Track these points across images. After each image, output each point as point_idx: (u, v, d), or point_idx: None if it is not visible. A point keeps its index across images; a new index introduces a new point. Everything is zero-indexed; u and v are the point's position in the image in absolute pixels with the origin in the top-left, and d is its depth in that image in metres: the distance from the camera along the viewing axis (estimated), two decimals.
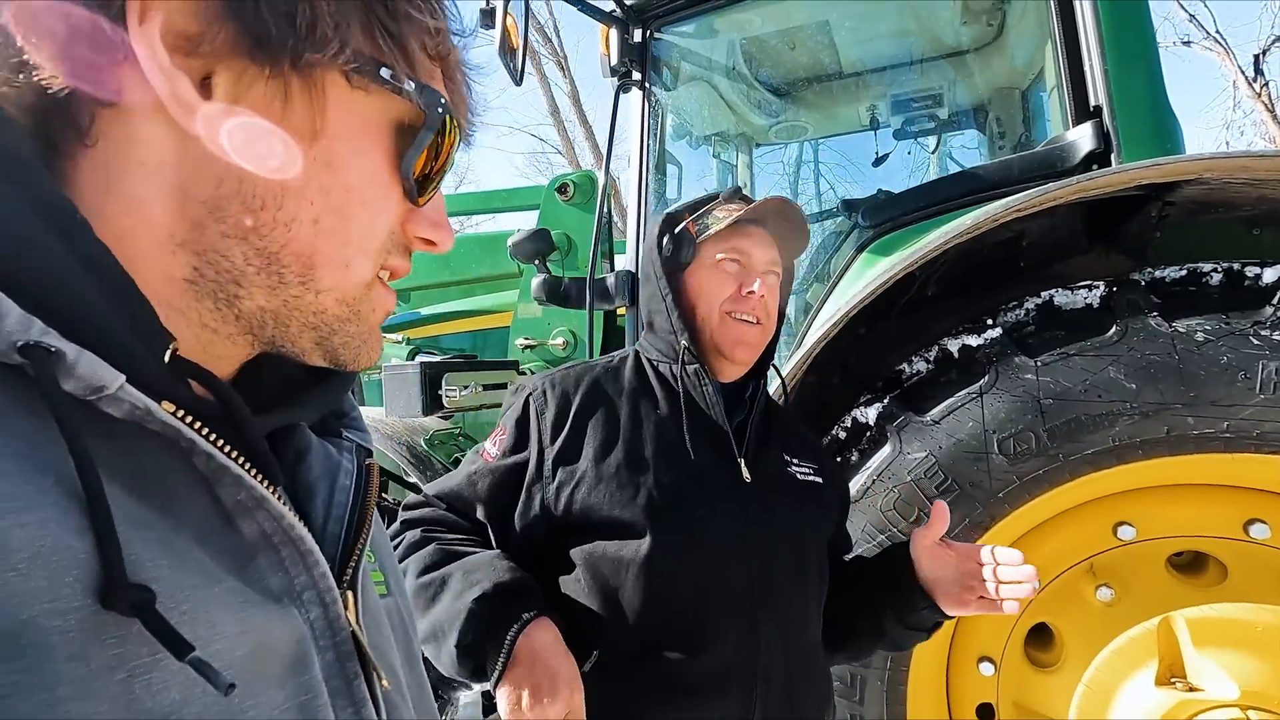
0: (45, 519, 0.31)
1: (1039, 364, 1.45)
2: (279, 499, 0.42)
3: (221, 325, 0.43)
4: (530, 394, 1.14)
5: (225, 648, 0.36)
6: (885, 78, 3.11)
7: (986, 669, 1.61)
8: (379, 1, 0.41)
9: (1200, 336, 1.34)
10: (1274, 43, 11.05)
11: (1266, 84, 10.99)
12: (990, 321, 1.63)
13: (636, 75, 2.43)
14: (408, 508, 1.14)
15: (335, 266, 0.43)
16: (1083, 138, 1.76)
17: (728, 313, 1.11)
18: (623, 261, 2.43)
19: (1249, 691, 1.30)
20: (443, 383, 2.23)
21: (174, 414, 0.37)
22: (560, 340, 2.62)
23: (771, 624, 1.01)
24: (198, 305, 0.42)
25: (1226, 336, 1.33)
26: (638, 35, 2.42)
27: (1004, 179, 1.84)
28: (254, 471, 0.41)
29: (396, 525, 1.11)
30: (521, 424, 1.11)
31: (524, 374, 2.59)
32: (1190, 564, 1.56)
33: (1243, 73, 11.21)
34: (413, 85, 0.43)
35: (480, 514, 1.09)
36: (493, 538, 1.09)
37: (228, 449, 0.40)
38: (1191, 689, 1.37)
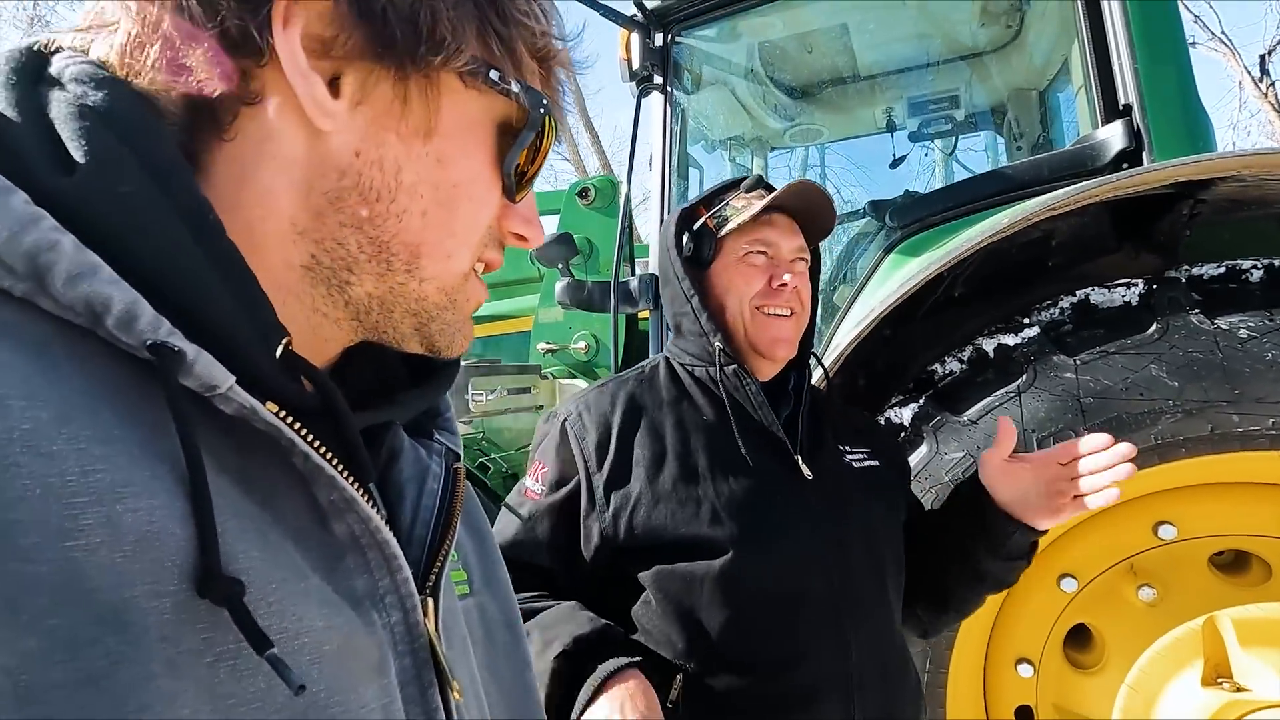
0: (154, 506, 0.33)
1: (1078, 362, 1.45)
2: (369, 501, 0.43)
3: (332, 309, 0.45)
4: (565, 420, 1.11)
5: (313, 641, 0.37)
6: (902, 80, 3.11)
7: (1025, 670, 1.60)
8: (491, 6, 0.44)
9: (1244, 333, 1.34)
10: (1279, 43, 11.05)
11: (1272, 84, 10.97)
12: (1025, 321, 1.62)
13: (658, 79, 2.44)
14: None
15: (439, 257, 0.46)
16: (1113, 136, 1.76)
17: (759, 308, 1.08)
18: (645, 265, 2.43)
19: None
20: (469, 387, 2.22)
21: (277, 414, 0.39)
22: (582, 344, 2.62)
23: (859, 626, 0.99)
24: (312, 291, 0.44)
25: (1271, 333, 1.32)
26: (659, 39, 2.43)
27: (1034, 179, 1.84)
28: (346, 474, 0.42)
29: None
30: (563, 453, 1.08)
31: (546, 378, 2.59)
32: (1231, 563, 1.55)
33: (1249, 73, 11.20)
34: (519, 87, 0.46)
35: (545, 560, 1.06)
36: (559, 578, 1.06)
37: (324, 450, 0.41)
38: (1239, 689, 1.35)
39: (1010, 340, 1.54)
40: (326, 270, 0.44)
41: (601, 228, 2.65)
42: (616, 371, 2.53)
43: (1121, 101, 1.80)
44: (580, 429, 1.10)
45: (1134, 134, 1.74)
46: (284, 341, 0.40)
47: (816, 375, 1.29)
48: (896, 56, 3.00)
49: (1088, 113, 1.92)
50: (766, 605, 0.97)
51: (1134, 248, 1.85)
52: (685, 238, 1.13)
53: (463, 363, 2.71)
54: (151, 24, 0.39)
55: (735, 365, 1.07)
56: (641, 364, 1.21)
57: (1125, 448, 0.93)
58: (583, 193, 2.70)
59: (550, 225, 2.83)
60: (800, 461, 1.05)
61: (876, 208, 2.15)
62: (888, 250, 1.99)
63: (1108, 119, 1.82)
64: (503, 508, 1.13)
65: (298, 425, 0.40)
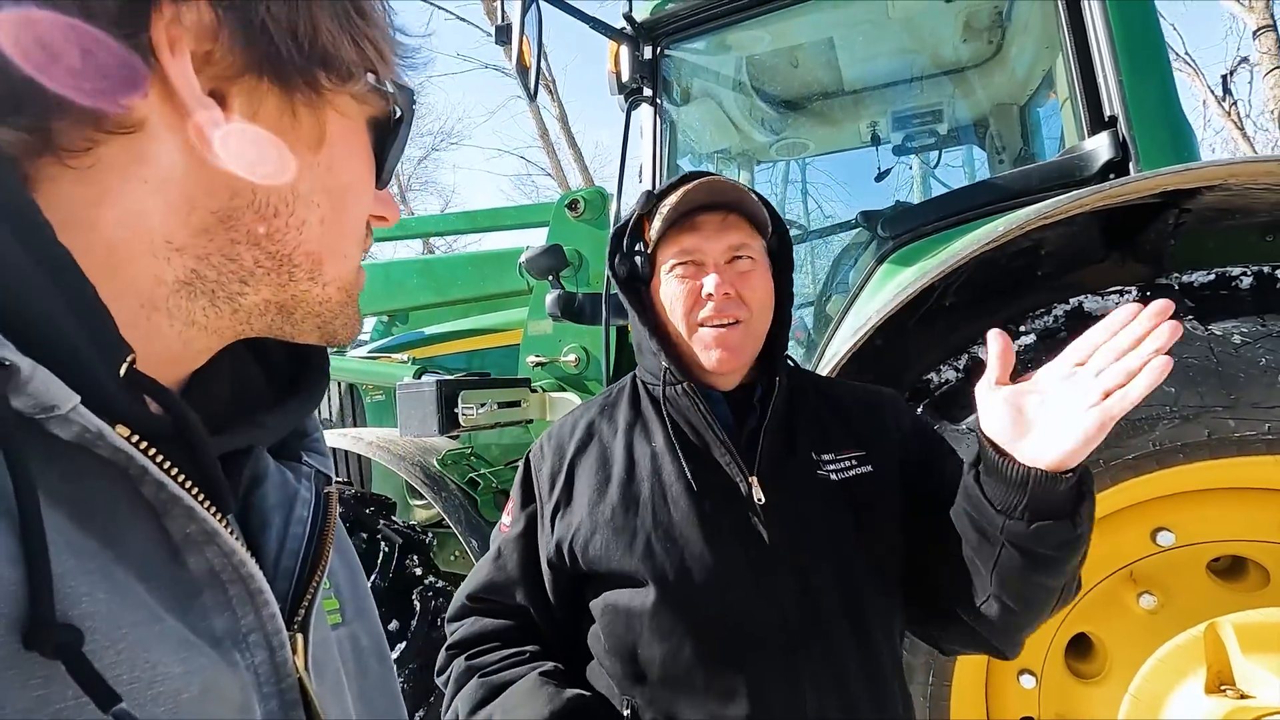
0: None
1: None
2: (231, 532, 0.41)
3: (213, 320, 0.43)
4: (530, 450, 1.11)
5: (170, 689, 0.34)
6: (887, 94, 3.15)
7: (1028, 681, 1.58)
8: (355, 12, 0.44)
9: (1237, 339, 1.35)
10: (1240, 63, 11.41)
11: (1235, 103, 11.33)
12: (1020, 328, 1.63)
13: (646, 91, 2.44)
14: (450, 620, 1.11)
15: (337, 258, 0.47)
16: (1100, 147, 1.79)
17: (699, 323, 1.01)
18: None
19: None
20: (459, 400, 2.18)
21: (128, 438, 0.36)
22: (572, 357, 2.59)
23: (817, 659, 0.92)
24: (189, 304, 0.42)
25: (1264, 339, 1.33)
26: (647, 52, 2.44)
27: (1024, 189, 1.86)
28: (206, 502, 0.40)
29: (442, 655, 1.07)
30: (525, 483, 1.08)
31: (535, 391, 2.56)
32: (1228, 569, 1.55)
33: (1212, 92, 11.56)
34: (393, 86, 0.47)
35: (520, 596, 1.04)
36: (534, 612, 1.04)
37: (180, 476, 0.38)
38: (1243, 696, 1.35)
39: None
40: (212, 284, 0.42)
41: (591, 240, 2.64)
42: (606, 384, 2.52)
43: (1107, 113, 1.82)
44: (539, 458, 1.09)
45: (1120, 145, 1.76)
46: (129, 359, 0.37)
47: (829, 366, 1.22)
48: (881, 71, 3.04)
49: (1073, 124, 1.95)
50: (698, 641, 0.91)
51: (1121, 256, 1.87)
52: (617, 260, 1.08)
53: (451, 376, 2.65)
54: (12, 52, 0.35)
55: (684, 384, 1.01)
56: (615, 384, 1.17)
57: (1161, 304, 0.71)
58: (572, 205, 2.68)
59: (539, 237, 2.81)
60: (755, 483, 0.97)
61: (868, 218, 2.16)
62: (880, 260, 1.99)
63: (1094, 130, 1.85)
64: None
65: (150, 450, 0.37)
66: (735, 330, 1.01)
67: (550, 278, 2.34)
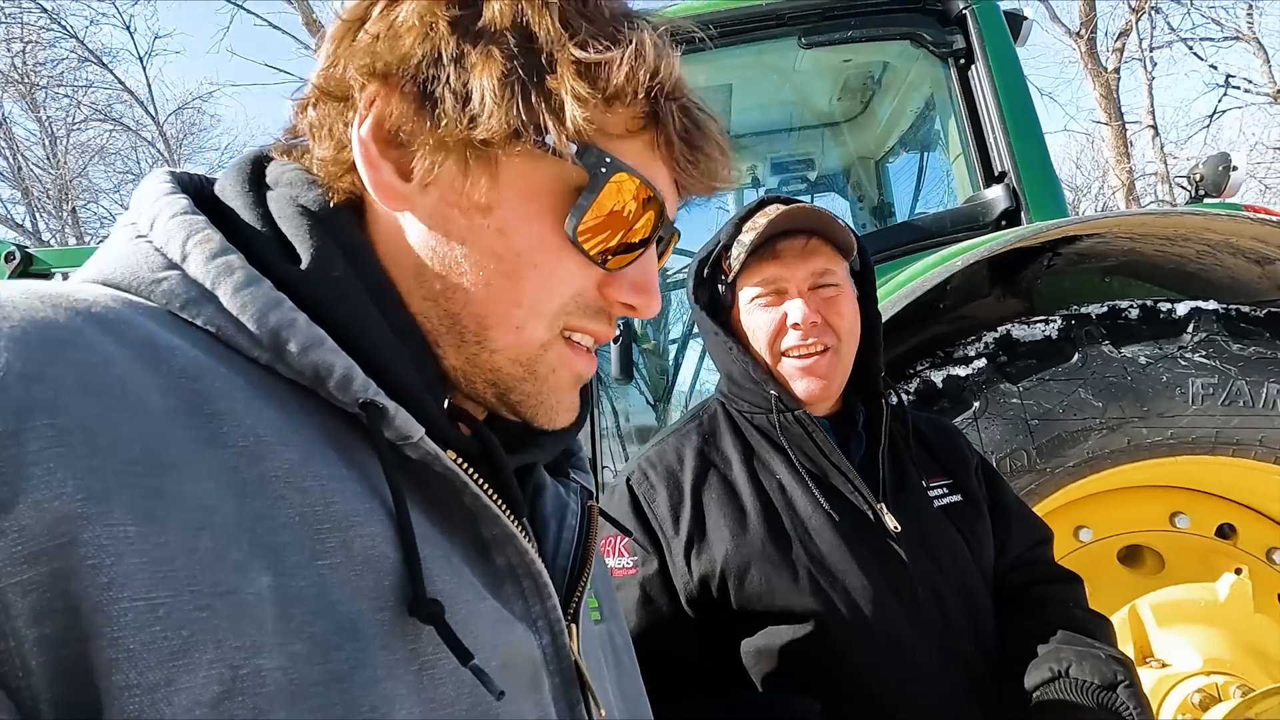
0: (375, 533, 0.39)
1: (1021, 389, 1.63)
2: (524, 535, 0.48)
3: (447, 375, 0.49)
4: (630, 480, 1.00)
5: (482, 658, 0.40)
6: (767, 140, 3.39)
7: None
8: (546, 61, 0.44)
9: (1143, 360, 1.61)
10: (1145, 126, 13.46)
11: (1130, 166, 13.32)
12: (959, 355, 1.80)
13: None
14: None
15: (507, 327, 0.47)
16: (997, 198, 2.07)
17: (784, 353, 1.01)
18: None
19: (1209, 659, 1.53)
20: None
21: (455, 460, 0.44)
22: None
23: (962, 682, 0.91)
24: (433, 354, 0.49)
25: (1162, 360, 1.60)
26: None
27: (939, 230, 2.09)
28: (506, 510, 0.47)
29: None
30: (637, 514, 0.98)
31: None
32: (1126, 557, 1.82)
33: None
34: (574, 148, 0.44)
35: (670, 641, 0.92)
36: (694, 656, 0.93)
37: (488, 489, 0.46)
38: (1163, 665, 1.57)
39: (962, 371, 1.69)
40: (421, 340, 0.47)
41: None
42: (591, 450, 2.35)
43: (996, 169, 2.12)
44: (648, 489, 0.99)
45: (1013, 195, 2.05)
46: (450, 397, 0.48)
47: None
48: (766, 119, 3.27)
49: (966, 177, 2.24)
50: (873, 675, 0.90)
51: (1002, 293, 2.16)
52: (699, 290, 1.06)
53: None
54: (315, 142, 0.48)
55: (797, 411, 0.99)
56: (695, 413, 1.12)
57: None
58: None
59: None
60: (884, 512, 0.96)
61: None
62: None
63: (987, 183, 2.14)
64: None
65: (469, 469, 0.45)
66: (824, 358, 0.99)
67: None
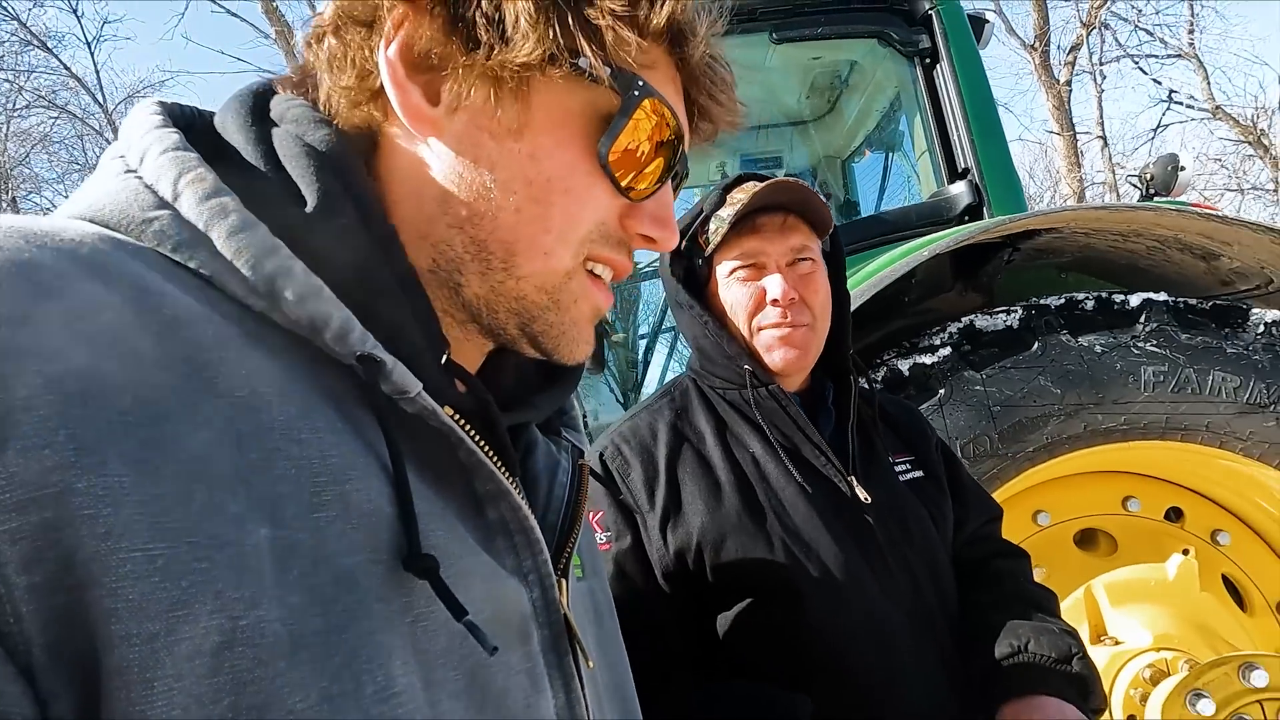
0: (371, 487, 0.39)
1: (984, 376, 1.68)
2: (517, 491, 0.48)
3: (455, 310, 0.49)
4: (603, 455, 1.00)
5: (474, 611, 0.40)
6: (736, 137, 3.42)
7: None
8: None
9: (1099, 349, 1.67)
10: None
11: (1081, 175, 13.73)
12: (924, 344, 1.84)
13: None
14: None
15: (535, 254, 0.47)
16: (961, 193, 2.12)
17: (761, 328, 1.01)
18: None
19: (1159, 635, 1.59)
20: None
21: (451, 416, 0.43)
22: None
23: (932, 649, 0.93)
24: (439, 293, 0.48)
25: (1116, 348, 1.66)
26: None
27: (905, 224, 2.13)
28: (501, 466, 0.46)
29: None
30: (611, 490, 0.97)
31: None
32: (1081, 540, 1.88)
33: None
34: (610, 72, 0.44)
35: (650, 614, 0.92)
36: (670, 629, 0.92)
37: (483, 445, 0.45)
38: (1116, 642, 1.63)
39: (928, 360, 1.73)
40: (444, 272, 0.47)
41: None
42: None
43: (960, 166, 2.18)
44: (622, 464, 1.00)
45: (976, 191, 2.11)
46: (446, 352, 0.46)
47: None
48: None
49: (931, 173, 2.30)
50: (849, 646, 0.91)
51: (964, 287, 2.22)
52: (674, 264, 1.06)
53: None
54: (332, 72, 0.46)
55: (770, 385, 1.01)
56: (667, 388, 1.12)
57: None
58: None
59: None
60: (856, 485, 0.98)
61: None
62: None
63: (951, 179, 2.19)
64: None
65: (465, 425, 0.44)
66: (802, 332, 1.00)
67: None
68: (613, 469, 0.99)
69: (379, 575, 0.38)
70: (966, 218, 2.16)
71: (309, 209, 0.41)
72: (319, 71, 0.46)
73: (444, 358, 0.45)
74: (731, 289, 1.03)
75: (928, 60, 2.24)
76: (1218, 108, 13.41)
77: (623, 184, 0.47)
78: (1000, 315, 1.80)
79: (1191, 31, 13.75)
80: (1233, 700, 1.34)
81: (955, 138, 2.18)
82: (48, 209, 14.15)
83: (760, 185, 0.99)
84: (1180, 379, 1.63)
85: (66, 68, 13.89)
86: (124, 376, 0.32)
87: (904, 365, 1.78)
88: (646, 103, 0.46)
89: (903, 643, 0.92)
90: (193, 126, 0.45)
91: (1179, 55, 14.00)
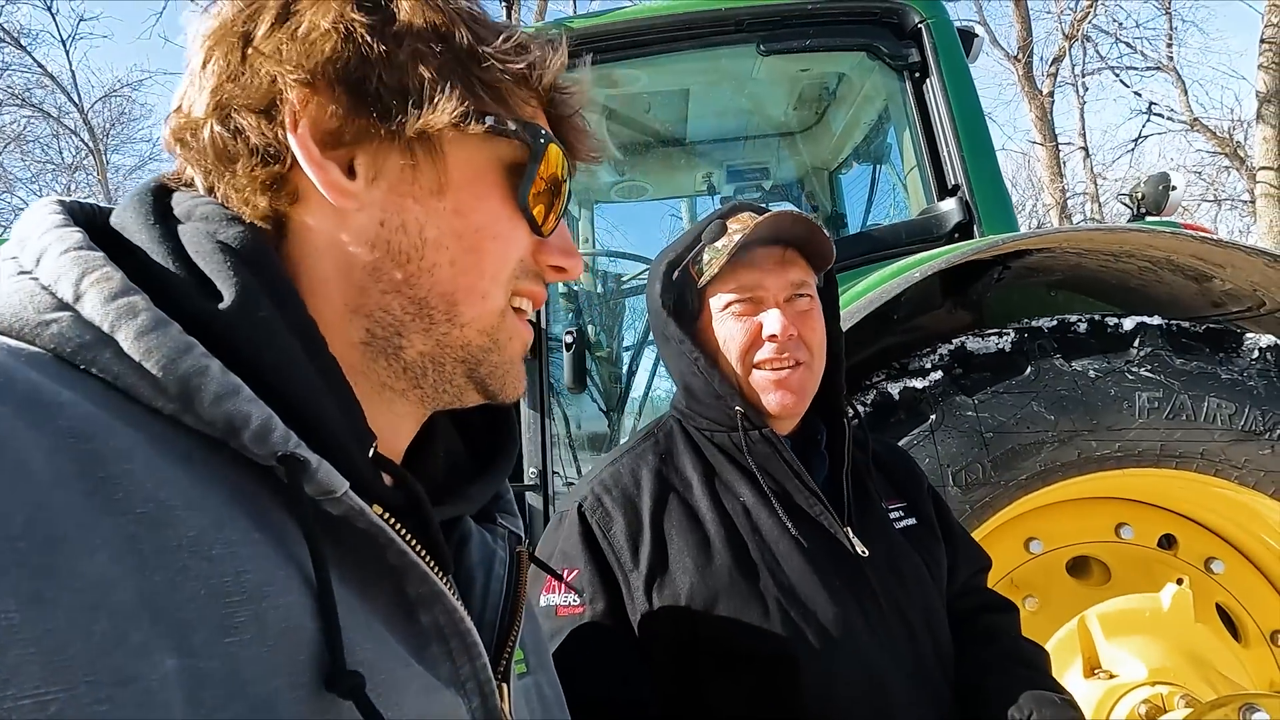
0: (290, 603, 0.36)
1: (977, 402, 1.63)
2: (452, 592, 0.46)
3: (395, 380, 0.48)
4: (582, 506, 0.93)
5: None
6: (723, 148, 3.38)
7: None
8: (471, 57, 0.47)
9: (1093, 374, 1.63)
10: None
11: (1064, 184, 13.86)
12: (914, 367, 1.79)
13: None
14: None
15: (474, 299, 0.48)
16: (951, 210, 2.08)
17: (756, 365, 0.96)
18: None
19: (1154, 669, 1.55)
20: None
21: (381, 515, 0.42)
22: None
23: (930, 705, 0.89)
24: (374, 365, 0.47)
25: (1110, 373, 1.63)
26: None
27: (894, 241, 2.09)
28: (433, 565, 0.45)
29: None
30: (590, 546, 0.90)
31: None
32: (1074, 567, 1.84)
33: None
34: (514, 125, 0.49)
35: (630, 691, 0.84)
36: (652, 706, 0.85)
37: (415, 545, 0.44)
38: (1111, 676, 1.59)
39: (919, 384, 1.68)
40: (381, 341, 0.47)
41: None
42: (541, 461, 2.25)
43: (950, 182, 2.14)
44: (603, 517, 0.92)
45: (966, 208, 2.07)
46: (374, 444, 0.45)
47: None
48: (722, 126, 3.26)
49: (920, 190, 2.26)
50: (852, 709, 0.85)
51: (953, 306, 2.18)
52: (664, 294, 1.00)
53: None
54: (212, 170, 0.45)
55: (763, 429, 0.94)
56: (650, 430, 1.05)
57: None
58: None
59: None
60: (852, 536, 0.92)
61: None
62: None
63: (941, 196, 2.15)
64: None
65: (396, 524, 0.43)
66: (796, 372, 0.95)
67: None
68: (593, 522, 0.92)
69: (301, 699, 0.35)
70: (957, 235, 2.11)
71: (224, 305, 0.40)
72: (203, 165, 0.45)
73: (371, 451, 0.44)
74: (726, 323, 0.97)
75: (917, 74, 2.20)
76: (1195, 120, 13.61)
77: (536, 222, 0.51)
78: (992, 337, 1.76)
79: (1170, 45, 13.96)
80: None
81: (945, 154, 2.14)
82: (20, 208, 13.85)
83: (762, 217, 0.93)
84: (1175, 405, 1.60)
85: (41, 66, 13.64)
86: (13, 498, 0.29)
87: (894, 389, 1.73)
88: (550, 148, 0.50)
89: (900, 700, 0.87)
90: (93, 224, 0.43)
91: (1158, 68, 14.21)
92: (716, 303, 0.97)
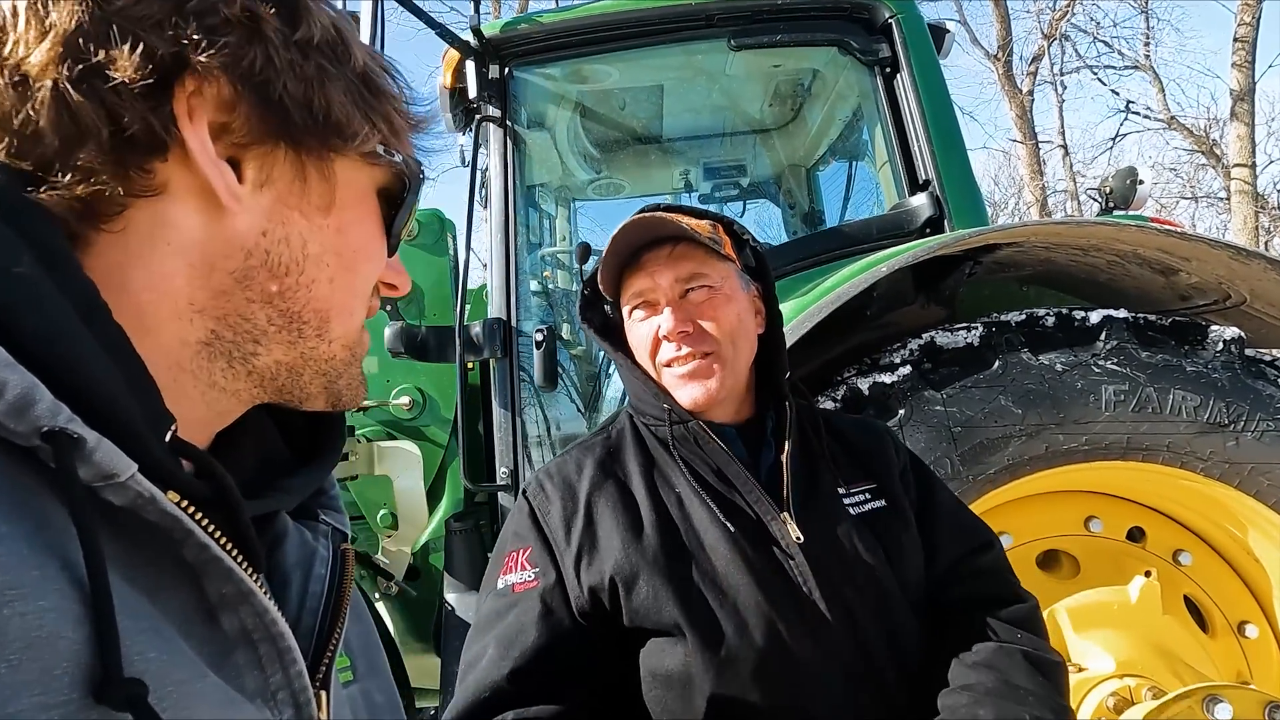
0: (44, 608, 0.31)
1: (945, 396, 1.63)
2: (265, 592, 0.42)
3: (231, 382, 0.45)
4: (526, 491, 0.97)
5: None
6: (700, 145, 3.37)
7: None
8: (366, 86, 0.47)
9: (1059, 367, 1.63)
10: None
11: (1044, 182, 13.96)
12: (884, 362, 1.79)
13: (492, 111, 2.27)
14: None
15: (345, 316, 0.49)
16: (922, 205, 2.08)
17: (665, 365, 0.97)
18: (489, 309, 2.20)
19: (1122, 661, 1.55)
20: None
21: (177, 503, 0.38)
22: (405, 400, 2.26)
23: (873, 698, 0.86)
24: (210, 365, 0.44)
25: (1077, 366, 1.63)
26: (494, 71, 2.28)
27: (866, 237, 2.08)
28: (244, 563, 0.41)
29: None
30: (535, 529, 0.93)
31: (361, 441, 2.17)
32: (1044, 561, 1.84)
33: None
34: (401, 157, 0.50)
35: (577, 658, 0.85)
36: (601, 677, 0.86)
37: (221, 539, 0.40)
38: (1080, 669, 1.59)
39: (887, 379, 1.67)
40: (229, 344, 0.44)
41: (428, 267, 2.35)
42: (455, 428, 2.23)
43: (921, 177, 2.14)
44: (543, 500, 0.95)
45: (937, 203, 2.07)
46: (172, 427, 0.40)
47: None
48: (698, 123, 3.24)
49: (892, 185, 2.26)
50: (772, 697, 0.84)
51: (926, 300, 2.18)
52: (583, 309, 1.05)
53: None
54: (45, 125, 0.38)
55: (693, 421, 0.95)
56: (606, 425, 1.07)
57: None
58: None
59: None
60: (789, 521, 0.90)
61: None
62: None
63: (912, 191, 2.15)
64: (478, 621, 0.90)
65: (196, 514, 0.39)
66: (704, 363, 0.95)
67: (388, 308, 2.03)
68: (534, 505, 0.96)
69: (58, 719, 0.30)
70: (928, 230, 2.11)
71: None
72: (37, 120, 0.38)
73: (169, 434, 0.39)
74: (632, 331, 1.01)
75: (888, 70, 2.20)
76: (1172, 118, 13.80)
77: (394, 245, 0.54)
78: (961, 332, 1.75)
79: (1147, 44, 14.14)
80: None
81: (916, 148, 2.14)
82: None
83: (624, 224, 0.94)
84: (1141, 398, 1.60)
85: None
86: None
87: (864, 384, 1.72)
88: (418, 180, 0.53)
89: (838, 700, 0.84)
90: None
91: (1135, 66, 14.39)
92: (625, 311, 1.01)
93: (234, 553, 0.40)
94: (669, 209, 0.97)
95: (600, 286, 1.02)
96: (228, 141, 0.42)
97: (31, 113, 0.37)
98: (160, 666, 0.34)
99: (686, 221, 0.94)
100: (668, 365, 0.97)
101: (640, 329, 0.99)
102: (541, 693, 0.81)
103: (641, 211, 0.98)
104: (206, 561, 0.39)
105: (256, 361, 0.45)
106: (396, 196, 0.52)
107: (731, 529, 0.88)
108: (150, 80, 0.39)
